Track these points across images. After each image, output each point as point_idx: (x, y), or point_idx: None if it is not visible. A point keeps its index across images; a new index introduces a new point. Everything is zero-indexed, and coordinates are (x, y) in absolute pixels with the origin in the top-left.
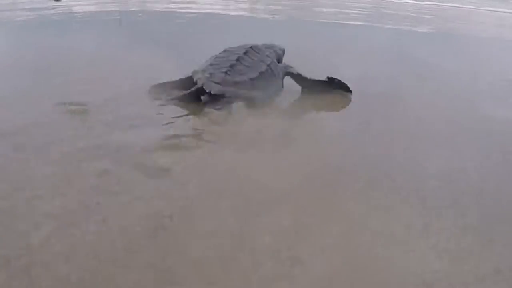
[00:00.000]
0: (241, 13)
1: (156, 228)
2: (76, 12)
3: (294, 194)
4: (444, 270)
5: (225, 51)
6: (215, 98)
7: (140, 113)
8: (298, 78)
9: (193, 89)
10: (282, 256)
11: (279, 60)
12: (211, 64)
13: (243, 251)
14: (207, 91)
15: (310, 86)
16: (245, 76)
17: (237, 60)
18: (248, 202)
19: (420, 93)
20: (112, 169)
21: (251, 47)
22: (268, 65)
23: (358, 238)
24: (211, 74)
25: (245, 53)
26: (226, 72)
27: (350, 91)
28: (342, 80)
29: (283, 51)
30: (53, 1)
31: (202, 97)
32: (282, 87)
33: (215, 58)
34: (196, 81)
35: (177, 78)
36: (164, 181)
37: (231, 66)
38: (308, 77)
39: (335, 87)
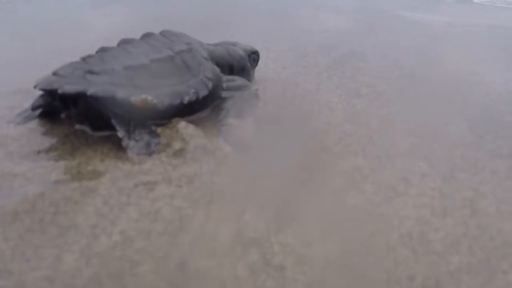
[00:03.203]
0: None
1: None
2: None
3: None
4: None
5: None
6: (76, 106)
7: None
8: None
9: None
10: None
11: (239, 66)
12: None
13: None
14: (41, 91)
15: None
16: (115, 64)
17: (107, 50)
18: None
19: None
20: None
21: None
22: (177, 53)
23: None
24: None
25: (127, 42)
26: (77, 63)
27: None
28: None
29: (251, 53)
30: None
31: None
32: (216, 96)
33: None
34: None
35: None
36: None
37: (90, 56)
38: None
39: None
